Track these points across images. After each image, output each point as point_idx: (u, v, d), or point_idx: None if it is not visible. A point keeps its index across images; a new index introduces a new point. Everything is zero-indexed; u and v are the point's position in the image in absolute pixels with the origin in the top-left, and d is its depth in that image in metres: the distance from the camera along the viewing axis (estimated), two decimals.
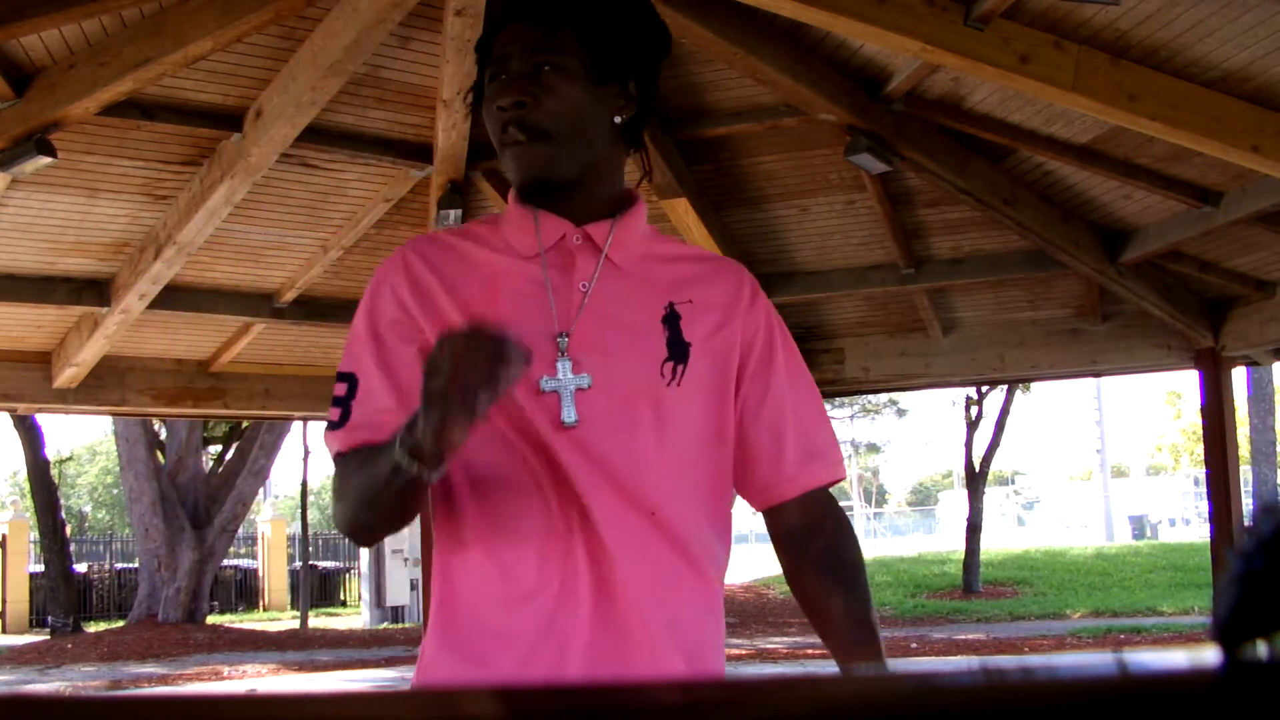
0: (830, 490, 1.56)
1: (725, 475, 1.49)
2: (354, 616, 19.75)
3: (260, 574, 23.06)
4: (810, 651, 12.59)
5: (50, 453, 18.60)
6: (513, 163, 1.42)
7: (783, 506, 1.52)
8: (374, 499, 1.34)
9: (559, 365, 1.39)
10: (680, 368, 1.42)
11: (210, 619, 17.53)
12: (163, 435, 17.33)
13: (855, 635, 1.47)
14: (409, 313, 1.44)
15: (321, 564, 23.90)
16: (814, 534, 1.52)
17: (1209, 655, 0.43)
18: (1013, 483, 46.05)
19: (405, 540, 17.17)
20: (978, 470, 17.98)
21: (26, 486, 19.20)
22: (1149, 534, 28.98)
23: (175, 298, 6.18)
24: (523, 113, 1.39)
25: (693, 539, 1.42)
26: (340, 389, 1.45)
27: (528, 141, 1.40)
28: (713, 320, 1.46)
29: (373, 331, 1.45)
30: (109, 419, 19.64)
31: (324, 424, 1.49)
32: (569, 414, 1.37)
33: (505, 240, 1.48)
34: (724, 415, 1.47)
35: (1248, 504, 7.94)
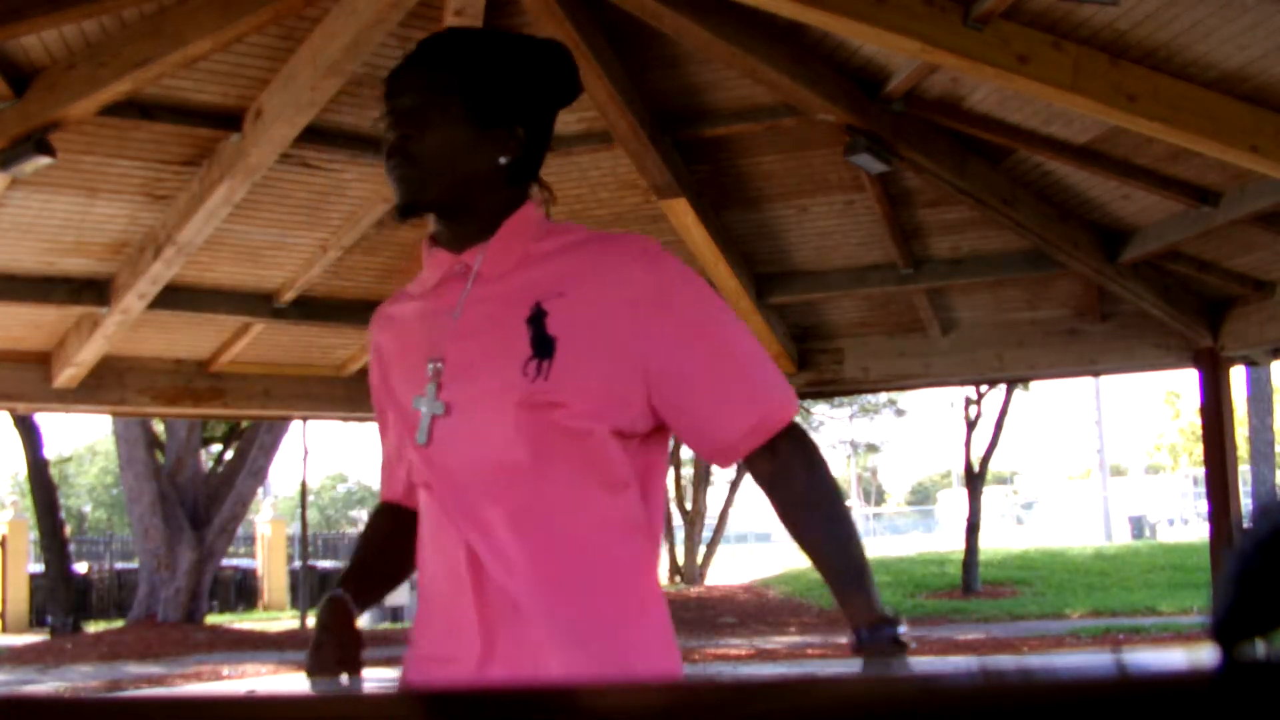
0: (791, 428, 1.57)
1: (607, 455, 1.51)
2: None
3: (260, 574, 23.05)
4: (810, 652, 12.59)
5: (50, 453, 18.59)
6: (394, 187, 1.58)
7: (749, 460, 1.57)
8: None
9: (427, 389, 1.56)
10: (545, 364, 1.48)
11: (210, 619, 17.52)
12: (162, 435, 17.32)
13: (838, 563, 1.54)
14: (377, 381, 1.70)
15: (321, 564, 23.88)
16: (787, 476, 1.56)
17: (1207, 655, 0.43)
18: (1012, 482, 46.04)
19: None
20: (977, 470, 17.98)
21: (26, 486, 19.19)
22: (1148, 534, 28.96)
23: (175, 298, 6.18)
24: (403, 143, 1.55)
25: (564, 525, 1.50)
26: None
27: (402, 167, 1.55)
28: (588, 306, 1.50)
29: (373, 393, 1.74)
30: (108, 419, 19.64)
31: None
32: (421, 434, 1.55)
33: (418, 284, 1.68)
34: (615, 390, 1.49)
35: (1246, 504, 7.93)
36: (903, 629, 1.46)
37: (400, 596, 18.47)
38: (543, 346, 1.49)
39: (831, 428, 31.88)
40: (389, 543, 1.73)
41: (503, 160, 1.58)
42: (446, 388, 1.54)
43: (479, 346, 1.54)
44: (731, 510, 23.57)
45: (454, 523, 1.52)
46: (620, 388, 1.50)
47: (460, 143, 1.56)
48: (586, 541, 1.50)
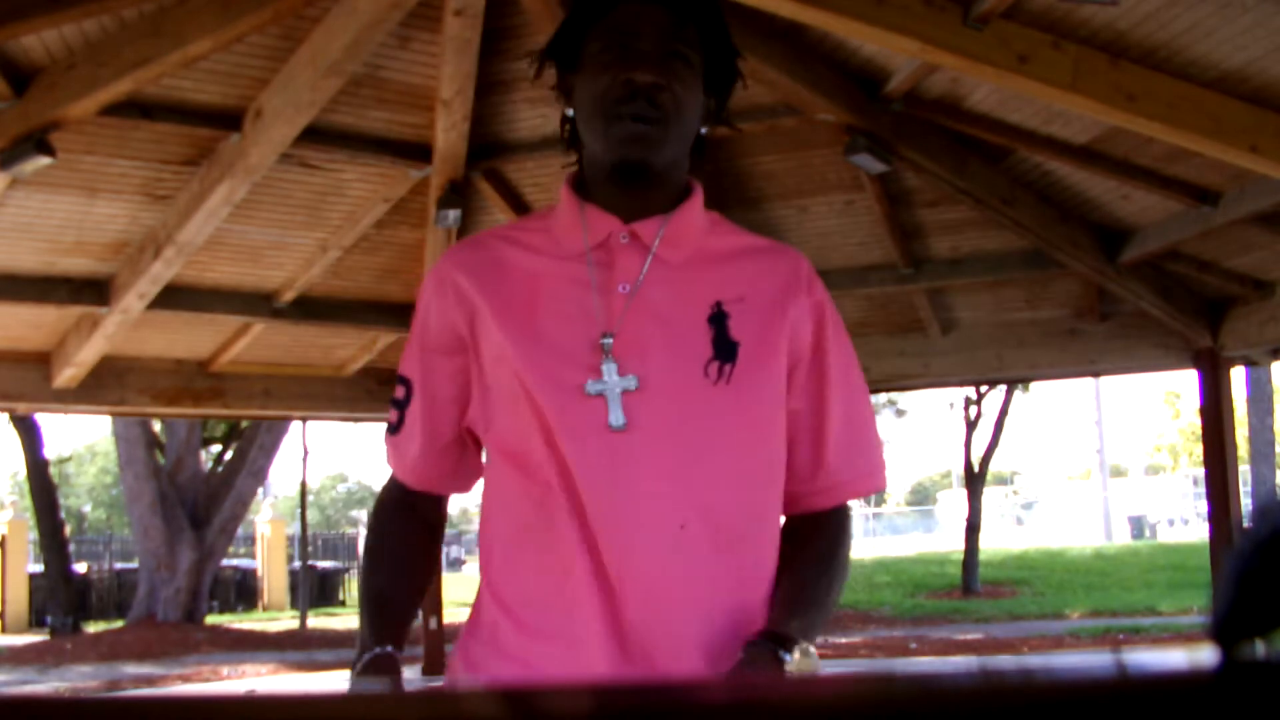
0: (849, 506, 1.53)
1: (779, 472, 1.44)
2: (353, 616, 19.73)
3: (260, 574, 23.04)
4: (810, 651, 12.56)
5: (50, 453, 18.59)
6: (624, 136, 1.37)
7: (806, 518, 1.48)
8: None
9: (604, 367, 1.35)
10: (728, 367, 1.37)
11: (209, 619, 17.52)
12: (162, 435, 17.31)
13: (805, 592, 1.41)
14: (451, 325, 1.44)
15: (320, 564, 23.89)
16: (820, 530, 1.48)
17: (1207, 655, 0.43)
18: (1011, 482, 46.04)
19: None
20: (977, 470, 17.97)
21: (26, 486, 19.19)
22: (1148, 534, 28.97)
23: (175, 298, 6.18)
24: (657, 93, 1.37)
25: (739, 541, 1.38)
26: (399, 392, 1.52)
27: (653, 121, 1.37)
28: (765, 317, 1.41)
29: (422, 342, 1.49)
30: (108, 419, 19.64)
31: (384, 425, 1.56)
32: (616, 417, 1.33)
33: (549, 239, 1.45)
34: (780, 413, 1.42)
35: (1246, 504, 7.93)
36: (790, 658, 1.30)
37: None
38: (725, 350, 1.38)
39: None
40: (422, 560, 1.53)
41: (704, 130, 1.46)
42: (624, 367, 1.36)
43: (660, 331, 1.38)
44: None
45: (648, 521, 1.33)
46: (782, 407, 1.42)
47: (696, 104, 1.43)
48: (751, 546, 1.41)
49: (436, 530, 1.57)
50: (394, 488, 1.55)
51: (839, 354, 1.48)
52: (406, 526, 1.53)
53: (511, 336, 1.38)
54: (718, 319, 1.39)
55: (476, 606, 1.48)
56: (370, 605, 1.46)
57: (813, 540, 1.47)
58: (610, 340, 1.36)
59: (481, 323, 1.42)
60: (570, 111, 1.45)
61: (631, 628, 1.32)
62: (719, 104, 1.49)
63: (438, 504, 1.56)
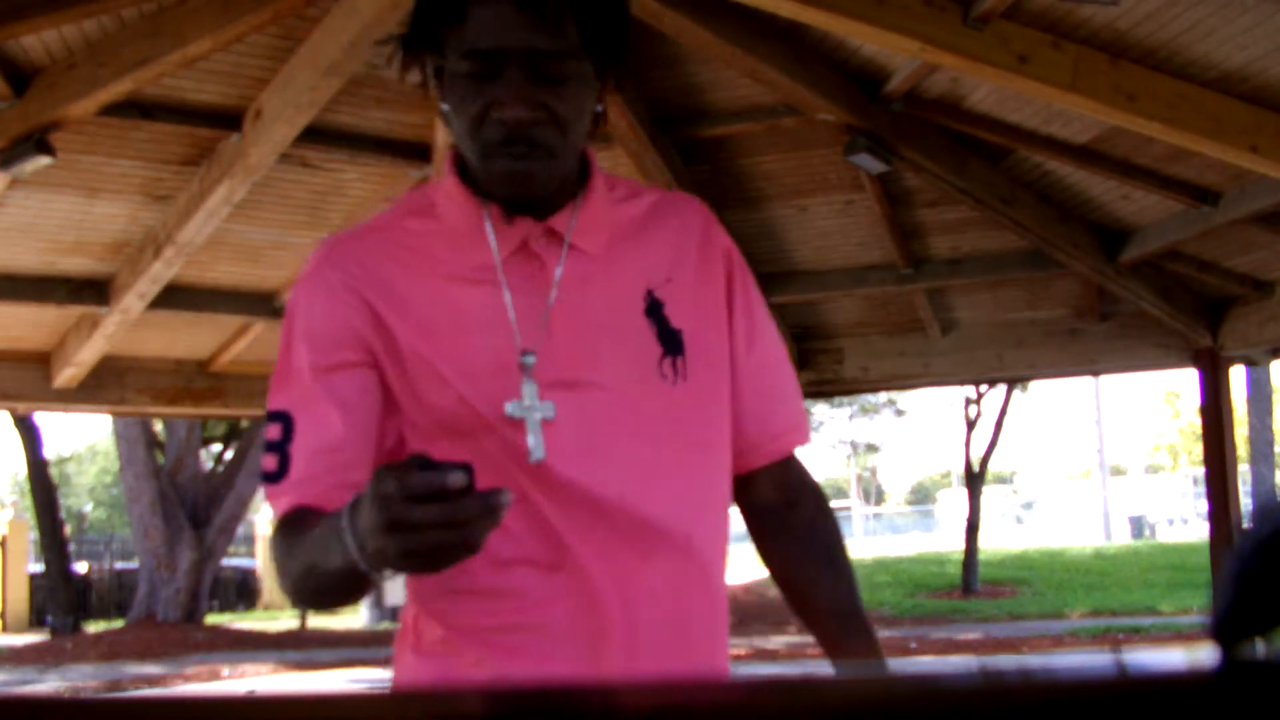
0: (802, 462, 1.45)
1: (728, 458, 1.36)
2: (353, 616, 19.73)
3: (260, 574, 23.05)
4: (810, 652, 12.58)
5: (50, 453, 18.60)
6: (506, 176, 1.22)
7: (754, 477, 1.40)
8: (330, 589, 1.15)
9: (524, 389, 1.22)
10: (679, 361, 1.27)
11: (209, 619, 17.53)
12: (162, 435, 17.32)
13: (847, 624, 1.37)
14: (353, 329, 1.24)
15: None
16: (795, 508, 1.42)
17: (1207, 655, 0.43)
18: (1011, 482, 46.03)
19: None
20: (976, 470, 17.98)
21: (26, 486, 19.19)
22: (1148, 534, 28.97)
23: (174, 298, 6.18)
24: (536, 128, 1.20)
25: (701, 547, 1.30)
26: (274, 431, 1.24)
27: (532, 159, 1.21)
28: (694, 291, 1.31)
29: (310, 359, 1.24)
30: (108, 419, 19.63)
31: (260, 475, 1.28)
32: (537, 449, 1.21)
33: (454, 241, 1.28)
34: (726, 392, 1.34)
35: (1246, 504, 7.94)
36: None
37: (400, 596, 18.47)
38: (671, 342, 1.27)
39: (831, 427, 31.92)
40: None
41: (599, 109, 1.27)
42: (548, 388, 1.22)
43: (598, 337, 1.25)
44: (731, 511, 23.53)
45: (590, 550, 1.22)
46: (727, 384, 1.34)
47: (586, 108, 1.24)
48: (713, 549, 1.33)
49: None
50: (281, 519, 1.25)
51: (754, 305, 1.39)
52: (301, 519, 1.23)
53: (446, 359, 1.23)
54: (653, 309, 1.28)
55: (414, 625, 1.34)
56: (303, 553, 1.16)
57: (802, 514, 1.42)
58: (532, 358, 1.23)
59: (383, 331, 1.24)
60: (445, 106, 1.29)
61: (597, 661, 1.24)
62: (616, 71, 1.28)
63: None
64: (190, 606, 16.46)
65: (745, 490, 1.42)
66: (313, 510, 1.19)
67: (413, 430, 1.26)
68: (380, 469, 0.98)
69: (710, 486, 1.33)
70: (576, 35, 1.19)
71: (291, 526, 1.20)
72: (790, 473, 1.43)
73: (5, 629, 19.05)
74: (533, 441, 1.21)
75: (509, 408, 1.21)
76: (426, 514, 0.93)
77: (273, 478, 1.23)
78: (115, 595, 20.51)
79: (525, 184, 1.23)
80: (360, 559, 1.02)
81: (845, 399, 26.18)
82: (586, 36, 1.20)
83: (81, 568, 20.45)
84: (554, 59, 1.19)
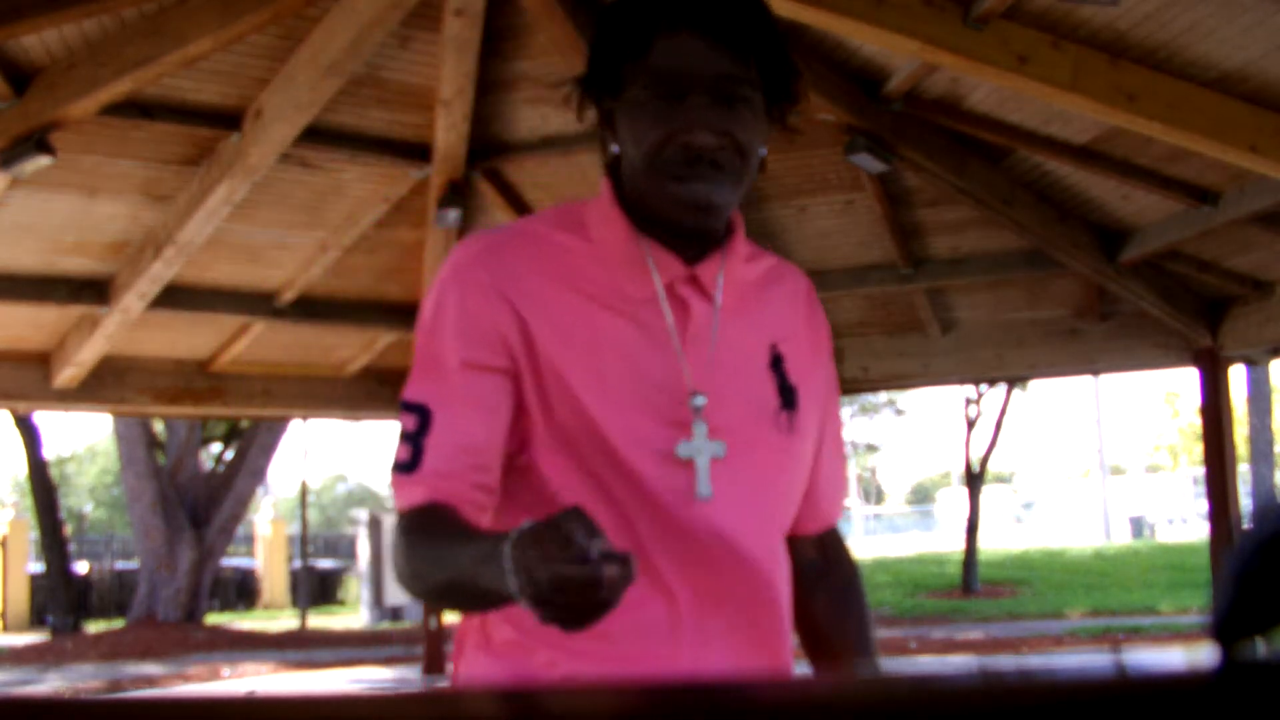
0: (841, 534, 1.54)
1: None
2: (353, 616, 19.72)
3: (259, 574, 23.04)
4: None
5: (50, 453, 18.61)
6: (688, 203, 1.23)
7: (801, 539, 1.46)
8: (471, 602, 1.16)
9: (695, 429, 1.24)
10: (793, 415, 1.32)
11: (209, 619, 17.52)
12: (162, 435, 17.32)
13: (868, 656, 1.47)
14: (499, 333, 1.25)
15: (320, 564, 23.91)
16: (833, 567, 1.49)
17: (1207, 655, 0.43)
18: (1011, 482, 46.03)
19: None
20: (976, 470, 17.98)
21: (26, 486, 19.20)
22: (1147, 534, 28.97)
23: (175, 297, 6.19)
24: (720, 154, 1.22)
25: (781, 588, 1.36)
26: (410, 422, 1.25)
27: (718, 183, 1.23)
28: (805, 353, 1.38)
29: (460, 355, 1.25)
30: (109, 419, 19.65)
31: (391, 463, 1.28)
32: (704, 487, 1.24)
33: (606, 265, 1.28)
34: (813, 454, 1.41)
35: (1246, 504, 7.93)
36: None
37: (400, 596, 18.48)
38: (788, 397, 1.32)
39: None
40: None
41: (763, 153, 1.29)
42: (713, 430, 1.26)
43: (737, 387, 1.30)
44: None
45: (727, 593, 1.28)
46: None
47: (760, 143, 1.26)
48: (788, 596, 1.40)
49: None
50: (413, 512, 1.24)
51: (835, 381, 1.46)
52: (441, 519, 1.23)
53: (584, 383, 1.24)
54: (776, 363, 1.33)
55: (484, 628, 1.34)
56: (452, 565, 1.13)
57: (839, 575, 1.49)
58: (703, 399, 1.26)
59: (532, 349, 1.25)
60: (615, 149, 1.29)
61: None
62: (784, 110, 1.31)
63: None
64: (190, 606, 16.46)
65: (790, 549, 1.46)
66: (447, 508, 1.21)
67: (533, 440, 1.27)
68: (574, 521, 0.97)
69: (783, 533, 1.38)
70: (755, 69, 1.23)
71: (430, 527, 1.20)
72: (831, 539, 1.51)
73: (5, 629, 19.05)
74: (701, 481, 1.24)
75: (681, 449, 1.24)
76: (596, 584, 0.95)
77: (405, 468, 1.24)
78: (115, 595, 20.51)
79: (705, 209, 1.24)
80: (517, 593, 1.00)
81: (845, 399, 26.20)
82: (763, 70, 1.24)
83: (82, 568, 20.45)
84: (738, 84, 1.22)
